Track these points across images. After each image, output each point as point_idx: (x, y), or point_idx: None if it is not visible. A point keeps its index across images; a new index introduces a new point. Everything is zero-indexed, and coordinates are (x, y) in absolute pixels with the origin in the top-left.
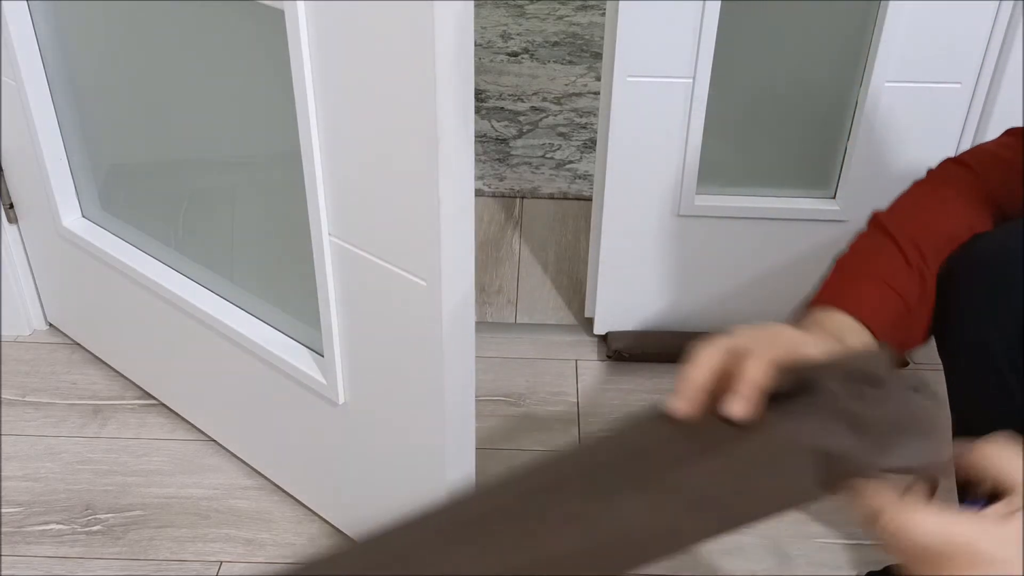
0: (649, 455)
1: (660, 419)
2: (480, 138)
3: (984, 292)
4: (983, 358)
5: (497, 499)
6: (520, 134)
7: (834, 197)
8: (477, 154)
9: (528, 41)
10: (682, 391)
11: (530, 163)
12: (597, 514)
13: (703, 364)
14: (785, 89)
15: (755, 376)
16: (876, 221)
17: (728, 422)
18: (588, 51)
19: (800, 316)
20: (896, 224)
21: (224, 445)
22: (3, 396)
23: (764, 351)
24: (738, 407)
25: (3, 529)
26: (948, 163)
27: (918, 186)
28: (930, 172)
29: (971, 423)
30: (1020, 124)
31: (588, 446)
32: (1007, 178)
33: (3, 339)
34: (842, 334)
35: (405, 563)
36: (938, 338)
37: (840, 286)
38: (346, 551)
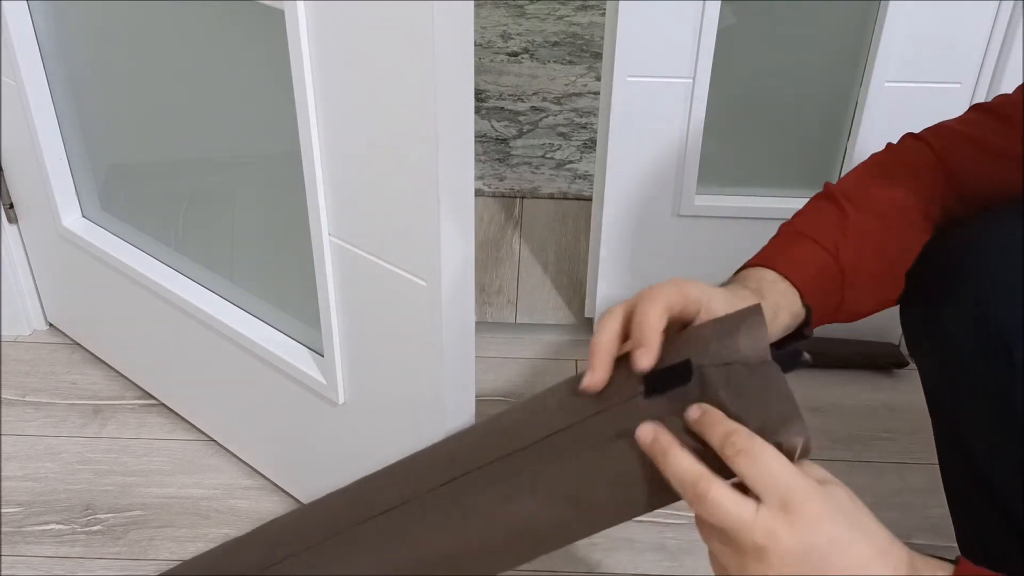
0: (556, 449)
1: (575, 394)
2: (480, 138)
3: (948, 285)
4: (951, 351)
5: (400, 491)
6: (520, 134)
7: None
8: (477, 154)
9: (528, 41)
10: (592, 363)
11: (530, 163)
12: (498, 512)
13: (607, 331)
14: (785, 89)
15: (652, 322)
16: (824, 187)
17: (631, 391)
18: (588, 51)
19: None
20: (839, 187)
21: (224, 445)
22: (3, 396)
23: (657, 296)
24: (645, 360)
25: (3, 529)
26: (907, 137)
27: (873, 156)
28: (888, 145)
29: (944, 414)
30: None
31: (496, 429)
32: (969, 155)
33: (3, 339)
34: (762, 287)
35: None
36: (905, 328)
37: (768, 246)
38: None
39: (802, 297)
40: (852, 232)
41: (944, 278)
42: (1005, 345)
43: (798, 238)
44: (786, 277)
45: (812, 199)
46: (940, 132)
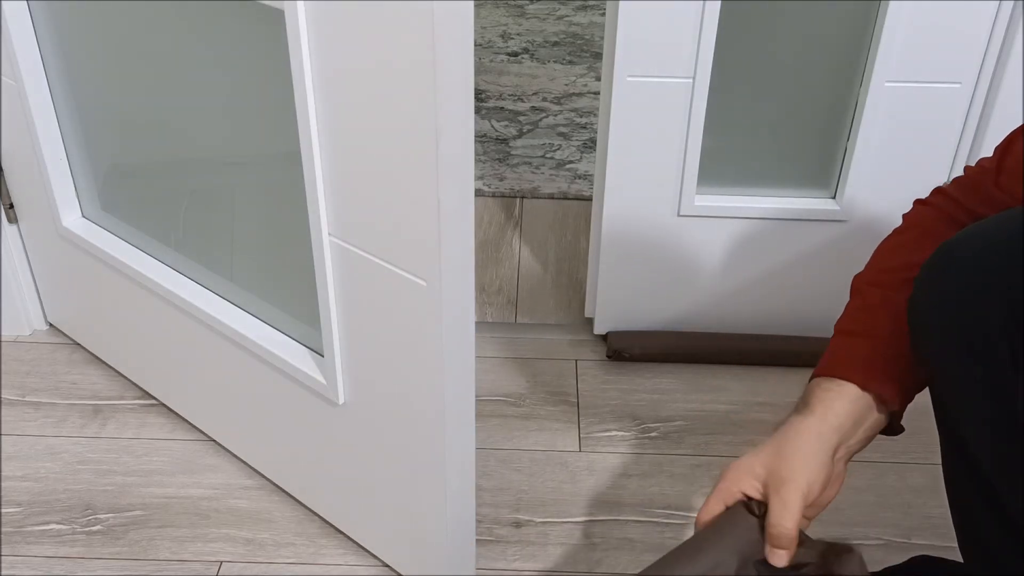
0: None
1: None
2: (480, 138)
3: (952, 284)
4: (954, 350)
5: None
6: (520, 134)
7: (834, 197)
8: (477, 154)
9: (528, 41)
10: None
11: (530, 163)
12: None
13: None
14: (785, 89)
15: (786, 526)
16: (853, 283)
17: None
18: (588, 51)
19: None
20: (861, 276)
21: (224, 445)
22: (3, 396)
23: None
24: (780, 560)
25: (3, 529)
26: (916, 203)
27: (890, 234)
28: (904, 216)
29: (948, 414)
30: (1020, 124)
31: None
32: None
33: (3, 339)
34: (812, 404)
35: None
36: (912, 327)
37: (828, 351)
38: None
39: (856, 385)
40: (891, 311)
41: (948, 278)
42: (1008, 344)
43: (847, 337)
44: (837, 377)
45: (850, 298)
46: (940, 196)
